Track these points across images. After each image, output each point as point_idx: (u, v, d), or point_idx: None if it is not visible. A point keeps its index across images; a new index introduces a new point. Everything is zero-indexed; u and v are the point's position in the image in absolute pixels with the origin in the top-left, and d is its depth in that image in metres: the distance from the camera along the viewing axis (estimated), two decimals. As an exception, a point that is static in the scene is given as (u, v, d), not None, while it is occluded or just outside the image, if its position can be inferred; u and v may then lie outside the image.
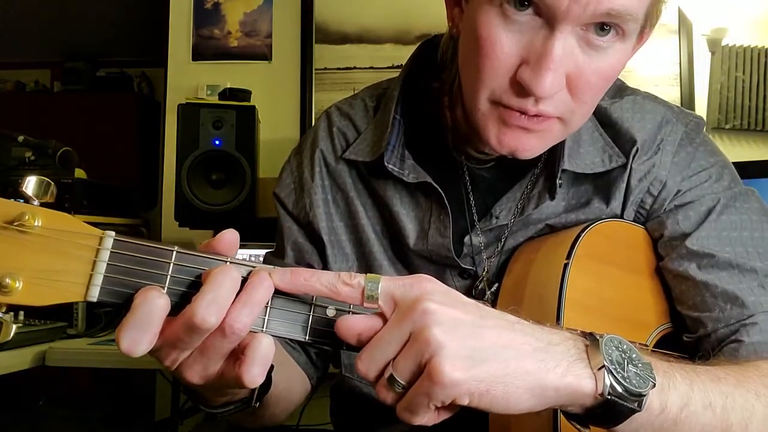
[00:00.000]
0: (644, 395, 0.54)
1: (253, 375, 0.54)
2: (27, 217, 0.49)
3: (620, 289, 0.81)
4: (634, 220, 0.86)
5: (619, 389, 0.53)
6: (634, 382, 0.54)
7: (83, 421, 2.32)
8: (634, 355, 0.56)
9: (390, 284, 0.54)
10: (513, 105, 0.71)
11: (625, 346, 0.56)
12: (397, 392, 0.53)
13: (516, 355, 0.52)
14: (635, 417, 0.55)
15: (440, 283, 0.55)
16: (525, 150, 0.74)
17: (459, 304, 0.54)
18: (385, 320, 0.54)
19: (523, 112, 0.71)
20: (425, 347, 0.50)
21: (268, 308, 0.55)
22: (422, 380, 0.51)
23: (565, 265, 0.76)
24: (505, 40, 0.69)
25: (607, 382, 0.53)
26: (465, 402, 0.51)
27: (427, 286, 0.54)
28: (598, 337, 0.56)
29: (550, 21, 0.67)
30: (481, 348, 0.51)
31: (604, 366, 0.53)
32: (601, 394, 0.53)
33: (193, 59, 2.53)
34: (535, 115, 0.71)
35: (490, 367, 0.51)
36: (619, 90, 0.88)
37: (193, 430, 2.21)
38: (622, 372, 0.54)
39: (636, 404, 0.54)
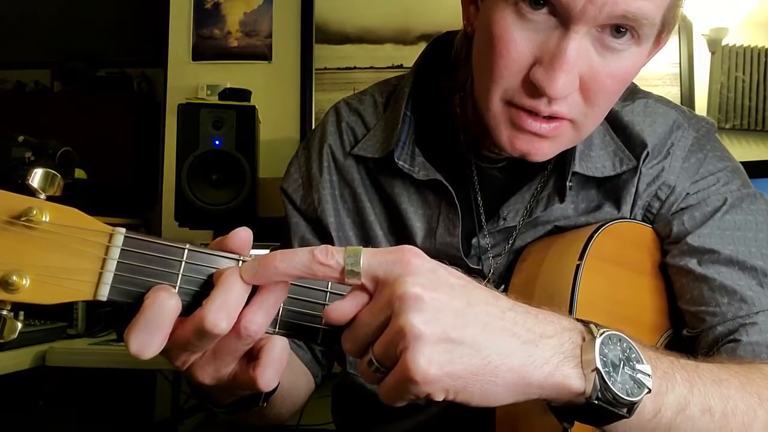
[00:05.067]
0: (635, 403, 0.52)
1: (268, 378, 0.54)
2: (35, 212, 0.47)
3: (631, 291, 0.80)
4: None
5: (608, 395, 0.50)
6: (627, 387, 0.51)
7: (83, 421, 2.32)
8: (633, 356, 0.53)
9: (372, 260, 0.49)
10: (525, 105, 0.70)
11: (625, 345, 0.53)
12: (378, 375, 0.50)
13: (500, 350, 0.48)
14: (625, 420, 0.52)
15: (427, 258, 0.51)
16: (536, 153, 0.74)
17: (444, 287, 0.49)
18: (370, 295, 0.51)
19: (535, 113, 0.70)
20: (401, 337, 0.47)
21: (281, 309, 0.54)
22: (396, 372, 0.48)
23: (578, 266, 0.75)
24: (519, 39, 0.68)
25: (597, 386, 0.50)
26: (440, 398, 0.48)
27: (412, 263, 0.49)
28: (596, 334, 0.52)
29: (564, 21, 0.67)
30: (461, 341, 0.48)
31: (596, 368, 0.50)
32: (589, 398, 0.50)
33: (193, 59, 2.52)
34: (548, 117, 0.70)
35: (469, 364, 0.48)
36: (632, 93, 0.87)
37: (193, 430, 2.21)
38: (614, 376, 0.51)
39: (625, 410, 0.51)
